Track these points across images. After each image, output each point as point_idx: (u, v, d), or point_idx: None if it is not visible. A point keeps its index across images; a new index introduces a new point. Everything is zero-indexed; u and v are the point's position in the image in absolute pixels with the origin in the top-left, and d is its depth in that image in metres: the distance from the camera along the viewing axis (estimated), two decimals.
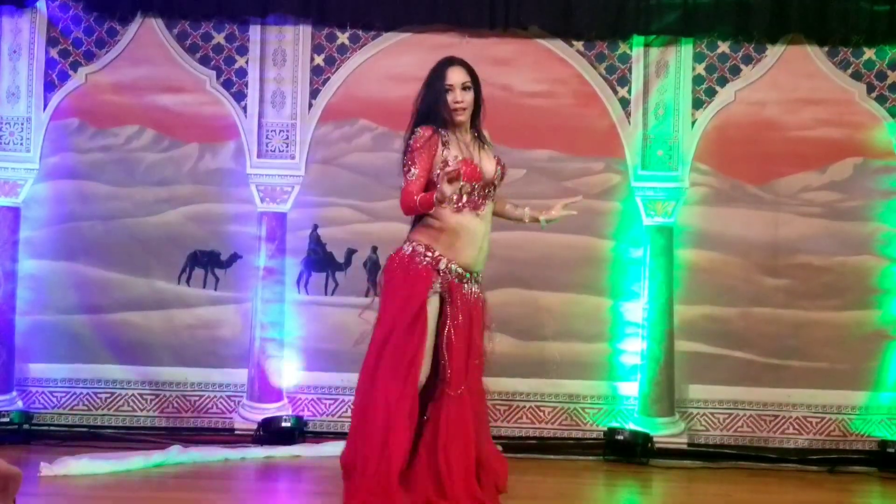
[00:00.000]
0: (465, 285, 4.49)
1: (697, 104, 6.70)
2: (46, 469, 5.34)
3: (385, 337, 4.41)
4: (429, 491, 4.37)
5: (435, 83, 4.48)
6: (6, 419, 6.37)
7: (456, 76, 4.49)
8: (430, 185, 4.44)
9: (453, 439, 4.41)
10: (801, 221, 6.65)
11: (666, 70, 6.69)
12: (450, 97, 4.45)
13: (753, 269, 6.66)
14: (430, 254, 4.44)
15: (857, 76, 6.66)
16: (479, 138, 4.57)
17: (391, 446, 4.29)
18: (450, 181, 4.25)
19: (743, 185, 6.69)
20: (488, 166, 4.53)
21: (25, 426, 6.42)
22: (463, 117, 4.49)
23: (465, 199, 4.43)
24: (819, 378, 6.57)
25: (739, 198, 6.69)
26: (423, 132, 4.44)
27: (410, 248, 4.47)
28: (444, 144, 4.45)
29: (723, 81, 6.70)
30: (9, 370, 6.59)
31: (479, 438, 4.51)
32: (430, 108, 4.46)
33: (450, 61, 4.53)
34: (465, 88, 4.48)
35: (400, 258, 4.48)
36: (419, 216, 4.50)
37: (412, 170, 4.42)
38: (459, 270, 4.46)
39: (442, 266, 4.44)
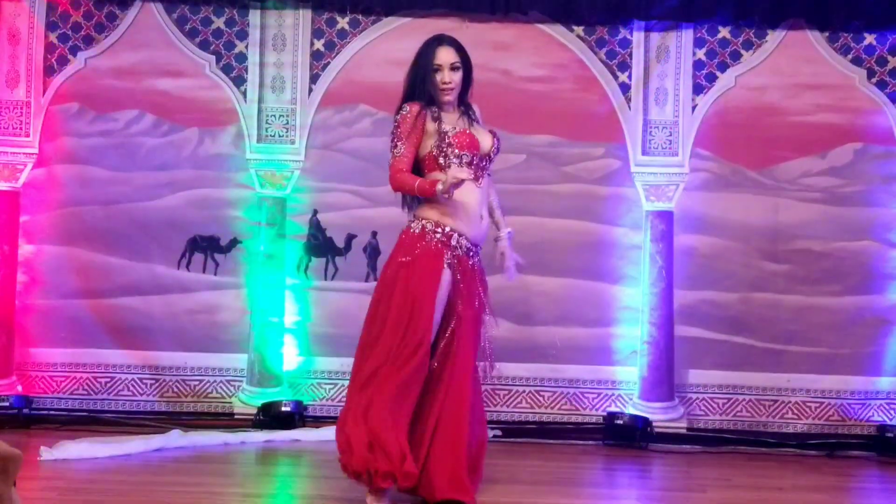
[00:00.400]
0: (471, 260, 4.51)
1: (698, 89, 6.69)
2: (46, 453, 5.35)
3: (400, 313, 4.38)
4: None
5: (424, 61, 4.50)
6: (6, 403, 6.38)
7: (445, 56, 4.49)
8: (417, 162, 4.50)
9: (447, 429, 4.42)
10: (801, 207, 6.65)
11: (666, 55, 6.68)
12: (438, 77, 4.46)
13: (753, 254, 6.66)
14: (440, 230, 4.44)
15: (857, 61, 6.65)
16: (467, 114, 4.58)
17: (400, 423, 4.31)
18: (455, 186, 4.30)
19: (743, 170, 6.68)
20: (484, 139, 4.55)
21: (25, 410, 6.43)
22: (450, 97, 4.50)
23: (467, 163, 4.45)
24: (819, 363, 6.58)
25: (740, 183, 6.69)
26: (411, 108, 4.45)
27: (420, 226, 4.47)
28: (435, 119, 4.46)
29: (723, 66, 6.69)
30: (8, 354, 6.59)
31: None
32: (417, 86, 4.47)
33: (439, 40, 4.54)
34: (453, 69, 4.48)
35: (410, 237, 4.48)
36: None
37: (398, 146, 4.44)
38: (468, 245, 4.48)
39: (454, 242, 4.44)
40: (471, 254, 4.51)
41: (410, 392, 4.35)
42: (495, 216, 4.75)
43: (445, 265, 4.42)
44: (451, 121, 4.52)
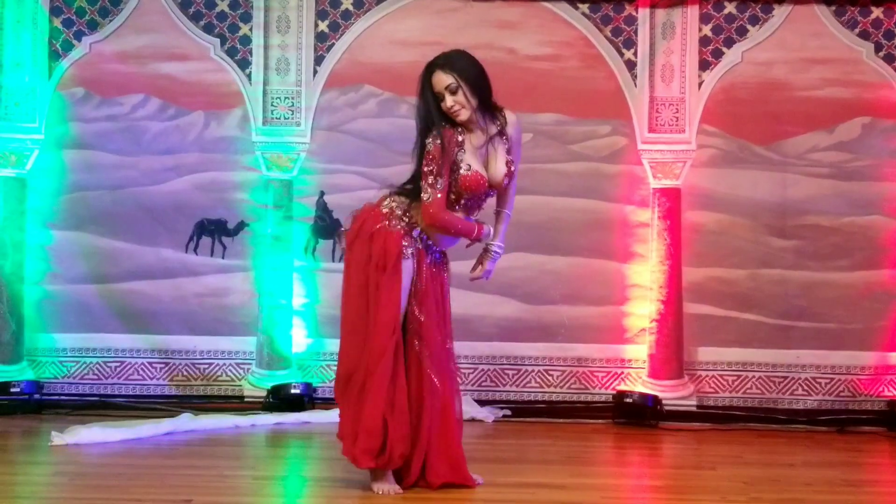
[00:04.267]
0: (429, 257, 4.42)
1: (704, 65, 6.66)
2: (57, 438, 5.36)
3: (359, 292, 4.35)
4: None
5: (425, 94, 4.33)
6: (17, 389, 6.41)
7: (438, 82, 4.29)
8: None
9: (438, 416, 4.41)
10: (809, 182, 6.62)
11: (672, 31, 6.64)
12: (443, 105, 4.30)
13: (762, 230, 6.64)
14: (406, 218, 4.36)
15: (864, 35, 6.61)
16: (490, 130, 4.37)
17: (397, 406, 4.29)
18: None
19: (750, 146, 6.65)
20: (497, 170, 4.40)
21: (36, 396, 6.46)
22: (462, 117, 4.31)
23: (462, 203, 4.37)
24: (828, 339, 6.57)
25: (747, 159, 6.66)
26: (445, 135, 4.28)
27: (388, 208, 4.38)
28: (459, 145, 4.32)
29: (729, 42, 6.65)
30: (19, 340, 6.62)
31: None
32: (430, 119, 4.30)
33: (429, 69, 4.33)
34: (452, 91, 4.27)
35: (375, 214, 4.38)
36: (415, 179, 4.36)
37: (438, 181, 4.26)
38: (429, 242, 4.43)
39: (415, 234, 4.37)
40: (430, 251, 4.43)
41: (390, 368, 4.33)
42: (498, 220, 4.54)
43: (404, 255, 4.33)
44: (471, 147, 4.35)
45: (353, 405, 4.33)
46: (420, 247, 4.40)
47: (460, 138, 4.33)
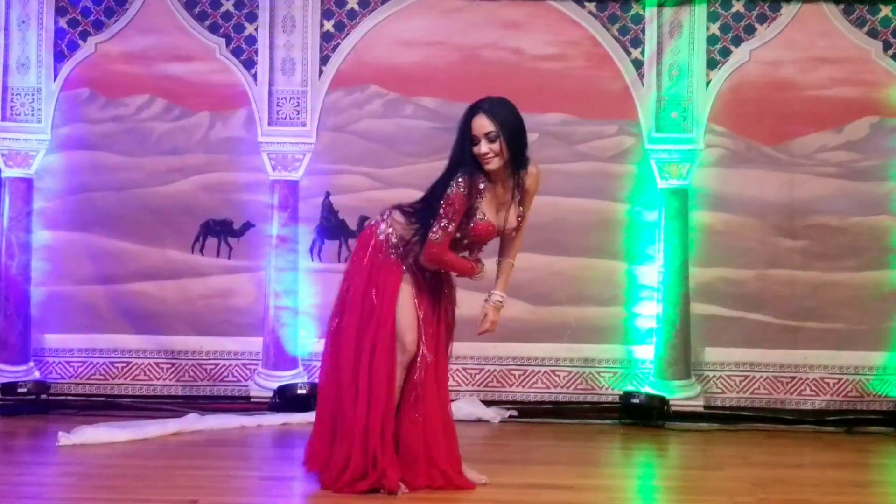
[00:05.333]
0: (427, 272, 4.48)
1: (712, 64, 6.64)
2: (64, 438, 5.36)
3: (354, 309, 4.44)
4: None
5: (462, 132, 4.34)
6: (24, 389, 6.41)
7: (479, 126, 4.29)
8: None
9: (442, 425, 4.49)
10: (817, 182, 6.60)
11: (679, 30, 6.62)
12: (476, 149, 4.31)
13: (769, 230, 6.62)
14: (401, 246, 4.42)
15: (873, 34, 6.58)
16: (514, 183, 4.38)
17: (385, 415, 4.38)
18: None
19: (758, 145, 6.63)
20: (509, 222, 4.43)
21: (43, 396, 6.46)
22: (492, 166, 4.30)
23: (464, 244, 4.41)
24: (836, 339, 6.54)
25: (755, 159, 6.64)
26: (466, 187, 4.28)
27: (384, 235, 4.44)
28: (479, 193, 4.34)
29: (737, 41, 6.63)
30: (25, 341, 6.62)
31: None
32: (463, 156, 4.31)
33: (473, 110, 4.34)
34: (490, 139, 4.28)
35: (374, 240, 4.46)
36: (420, 210, 4.39)
37: (449, 227, 4.29)
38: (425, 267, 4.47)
39: (410, 259, 4.43)
40: (428, 272, 4.48)
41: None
42: (502, 271, 4.56)
43: (404, 272, 4.42)
44: (491, 200, 4.36)
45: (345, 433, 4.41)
46: (416, 270, 4.45)
47: (482, 186, 4.35)
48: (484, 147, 4.29)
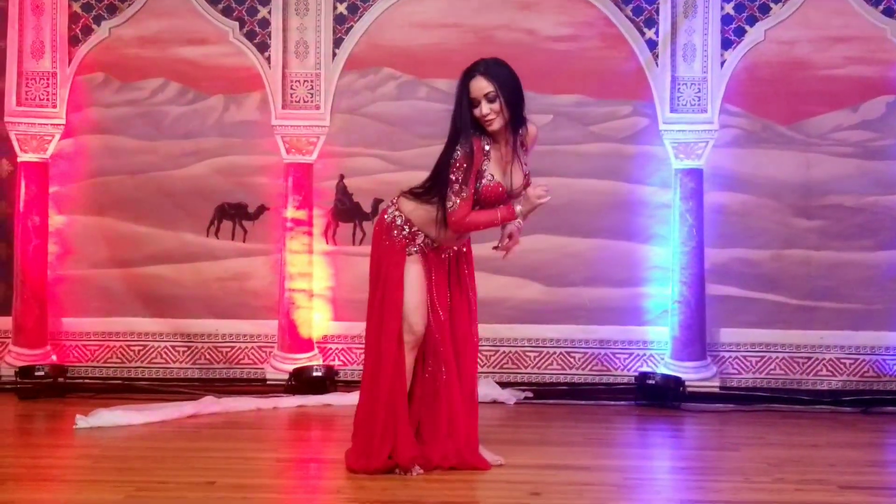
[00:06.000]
0: (443, 253, 4.50)
1: (726, 44, 6.60)
2: (82, 421, 5.39)
3: (375, 295, 4.51)
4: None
5: (460, 96, 4.35)
6: (41, 373, 6.44)
7: (477, 87, 4.31)
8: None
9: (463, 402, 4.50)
10: (832, 161, 6.56)
11: (694, 10, 6.59)
12: (476, 111, 4.32)
13: (785, 210, 6.59)
14: (407, 228, 4.43)
15: (888, 12, 6.53)
16: (514, 142, 4.40)
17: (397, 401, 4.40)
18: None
19: (773, 125, 6.60)
20: (516, 181, 4.43)
21: (60, 379, 6.49)
22: (494, 126, 4.33)
23: (476, 208, 4.39)
24: (852, 319, 6.52)
25: (770, 139, 6.61)
26: (475, 146, 4.31)
27: (391, 218, 4.47)
28: (486, 156, 4.36)
29: (752, 20, 6.59)
30: (42, 324, 6.65)
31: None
32: (461, 124, 4.33)
33: (469, 73, 4.35)
34: (489, 99, 4.30)
35: (381, 224, 4.51)
36: (429, 186, 4.40)
37: (463, 189, 4.31)
38: (435, 245, 4.47)
39: (419, 241, 4.44)
40: (440, 250, 4.49)
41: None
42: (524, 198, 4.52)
43: (409, 257, 4.43)
44: (497, 160, 4.38)
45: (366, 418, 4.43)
46: (428, 250, 4.46)
47: (487, 147, 4.36)
48: (485, 108, 4.30)
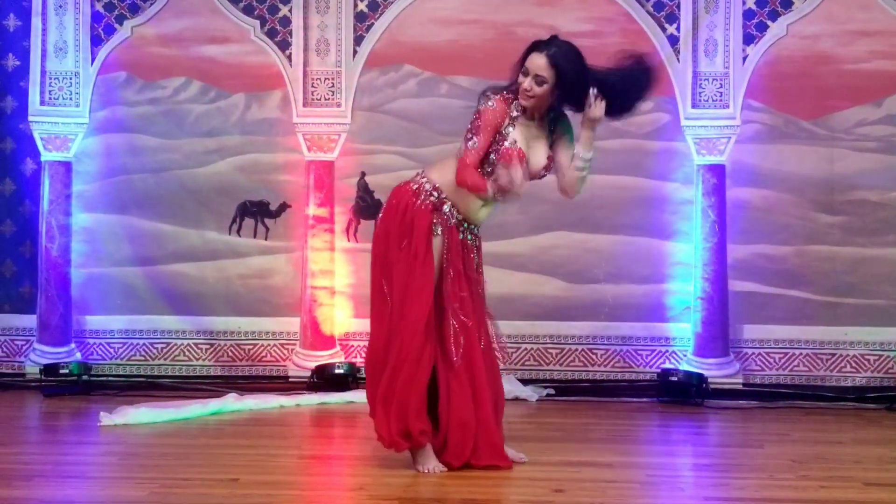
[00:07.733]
0: (462, 234, 4.39)
1: (748, 39, 6.57)
2: (106, 419, 5.42)
3: (376, 267, 4.38)
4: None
5: (520, 61, 4.28)
6: (66, 370, 6.48)
7: (533, 65, 4.22)
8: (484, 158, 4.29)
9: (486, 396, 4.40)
10: (856, 156, 6.52)
11: (715, 5, 6.56)
12: (520, 79, 4.26)
13: (808, 206, 6.56)
14: (435, 194, 4.32)
15: None
16: (546, 127, 4.33)
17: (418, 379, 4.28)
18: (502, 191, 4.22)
19: (796, 120, 6.57)
20: (537, 161, 4.35)
21: (84, 377, 6.52)
22: (528, 104, 4.26)
23: (489, 175, 4.32)
24: (877, 315, 6.48)
25: (793, 134, 6.57)
26: (497, 104, 4.25)
27: (417, 185, 4.35)
28: (511, 121, 4.30)
29: (774, 15, 6.56)
30: (66, 323, 6.70)
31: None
32: (511, 84, 4.28)
33: (536, 45, 4.26)
34: (537, 81, 4.21)
35: (403, 192, 4.36)
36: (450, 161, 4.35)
37: (474, 139, 4.24)
38: (460, 217, 4.37)
39: (445, 209, 4.33)
40: (461, 228, 4.38)
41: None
42: (574, 165, 4.36)
43: (433, 232, 4.29)
44: (523, 131, 4.31)
45: (382, 394, 4.31)
46: (452, 223, 4.36)
47: (515, 113, 4.30)
48: (527, 83, 4.24)
